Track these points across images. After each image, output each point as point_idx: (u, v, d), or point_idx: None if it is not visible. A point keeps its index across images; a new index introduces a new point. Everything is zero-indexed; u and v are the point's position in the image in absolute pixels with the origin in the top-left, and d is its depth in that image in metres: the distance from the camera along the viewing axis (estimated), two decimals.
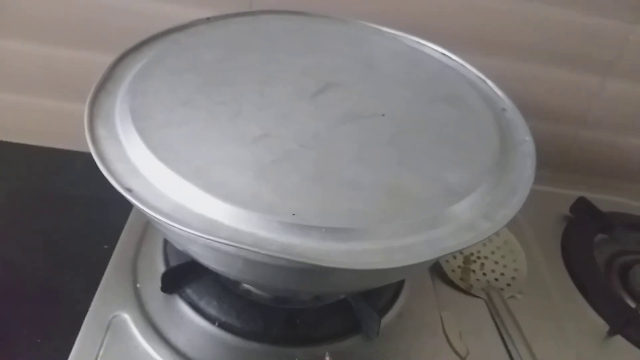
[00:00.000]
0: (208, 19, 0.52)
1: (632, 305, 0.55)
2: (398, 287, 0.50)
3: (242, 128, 0.38)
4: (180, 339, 0.44)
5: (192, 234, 0.30)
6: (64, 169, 0.65)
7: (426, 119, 0.43)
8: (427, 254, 0.32)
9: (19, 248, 0.54)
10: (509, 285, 0.55)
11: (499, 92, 0.49)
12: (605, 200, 0.68)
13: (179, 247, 0.40)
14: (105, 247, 0.52)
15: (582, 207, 0.65)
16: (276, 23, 0.53)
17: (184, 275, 0.47)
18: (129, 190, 0.33)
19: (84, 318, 0.45)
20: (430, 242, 0.33)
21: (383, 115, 0.42)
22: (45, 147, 0.68)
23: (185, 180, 0.33)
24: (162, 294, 0.46)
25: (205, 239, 0.30)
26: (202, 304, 0.46)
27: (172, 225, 0.31)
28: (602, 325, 0.53)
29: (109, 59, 0.44)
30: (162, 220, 0.31)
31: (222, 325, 0.45)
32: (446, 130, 0.42)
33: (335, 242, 0.32)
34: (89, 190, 0.59)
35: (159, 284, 0.46)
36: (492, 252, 0.58)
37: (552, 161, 0.74)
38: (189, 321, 0.45)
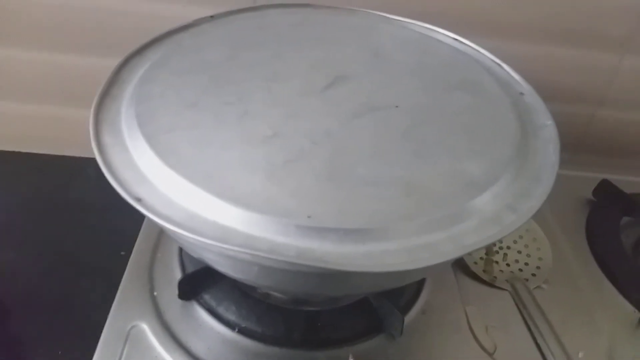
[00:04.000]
0: (212, 17, 0.51)
1: None
2: (420, 283, 0.49)
3: (251, 128, 0.37)
4: (200, 347, 0.43)
5: (205, 242, 0.29)
6: (76, 176, 0.65)
7: (441, 108, 0.42)
8: (451, 252, 0.31)
9: (34, 258, 0.54)
10: (534, 275, 0.53)
11: (516, 76, 0.47)
12: (628, 181, 0.66)
13: (194, 255, 0.39)
14: (122, 253, 0.51)
15: (605, 189, 0.63)
16: (281, 17, 0.52)
17: (201, 281, 0.46)
18: (139, 200, 0.32)
19: (102, 327, 0.44)
20: (453, 238, 0.32)
21: (396, 106, 0.41)
22: (56, 155, 0.67)
23: (195, 186, 0.32)
24: (179, 301, 0.46)
25: (219, 247, 0.29)
26: (220, 310, 0.45)
27: (184, 235, 0.30)
28: (634, 313, 0.51)
29: (113, 62, 0.43)
30: (173, 230, 0.30)
31: (242, 331, 0.44)
32: (463, 119, 0.41)
33: (354, 244, 0.30)
34: (102, 197, 0.58)
35: (176, 291, 0.45)
36: (515, 242, 0.57)
37: (570, 143, 0.72)
38: (208, 328, 0.44)
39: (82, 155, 0.66)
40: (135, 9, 0.59)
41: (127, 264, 0.50)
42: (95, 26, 0.60)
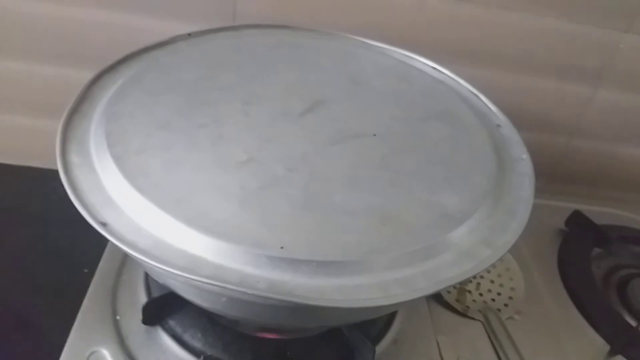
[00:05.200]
0: (189, 34, 0.50)
1: (633, 323, 0.53)
2: (392, 312, 0.48)
3: (225, 152, 0.36)
4: None
5: (172, 272, 0.28)
6: (40, 188, 0.62)
7: (418, 137, 0.41)
8: (426, 288, 0.30)
9: None
10: (506, 305, 0.53)
11: (493, 108, 0.48)
12: (600, 212, 0.67)
13: (160, 282, 0.37)
14: (85, 270, 0.49)
15: (577, 220, 0.64)
16: (260, 38, 0.51)
17: (166, 306, 0.44)
18: (104, 225, 0.31)
19: (60, 351, 0.42)
20: (428, 273, 0.31)
21: (373, 135, 0.40)
22: (20, 165, 0.65)
23: (165, 212, 0.31)
24: (143, 326, 0.44)
25: (186, 278, 0.28)
26: (186, 337, 0.43)
27: (150, 264, 0.28)
28: (603, 345, 0.51)
29: (87, 74, 0.42)
30: (139, 258, 0.29)
31: None
32: (440, 150, 0.41)
33: (327, 277, 0.29)
34: (67, 211, 0.57)
35: (140, 315, 0.43)
36: (488, 271, 0.56)
37: (544, 172, 0.72)
38: (172, 356, 0.42)
39: (48, 167, 0.64)
40: (111, 20, 0.57)
41: (89, 282, 0.48)
42: (69, 37, 0.59)
